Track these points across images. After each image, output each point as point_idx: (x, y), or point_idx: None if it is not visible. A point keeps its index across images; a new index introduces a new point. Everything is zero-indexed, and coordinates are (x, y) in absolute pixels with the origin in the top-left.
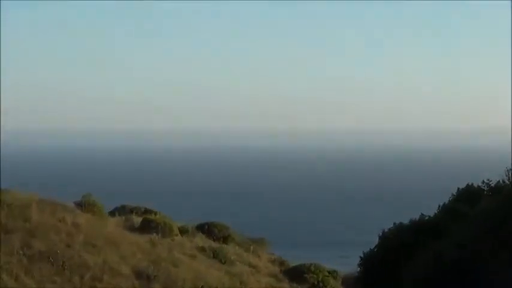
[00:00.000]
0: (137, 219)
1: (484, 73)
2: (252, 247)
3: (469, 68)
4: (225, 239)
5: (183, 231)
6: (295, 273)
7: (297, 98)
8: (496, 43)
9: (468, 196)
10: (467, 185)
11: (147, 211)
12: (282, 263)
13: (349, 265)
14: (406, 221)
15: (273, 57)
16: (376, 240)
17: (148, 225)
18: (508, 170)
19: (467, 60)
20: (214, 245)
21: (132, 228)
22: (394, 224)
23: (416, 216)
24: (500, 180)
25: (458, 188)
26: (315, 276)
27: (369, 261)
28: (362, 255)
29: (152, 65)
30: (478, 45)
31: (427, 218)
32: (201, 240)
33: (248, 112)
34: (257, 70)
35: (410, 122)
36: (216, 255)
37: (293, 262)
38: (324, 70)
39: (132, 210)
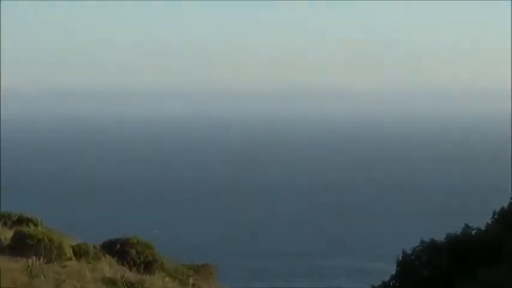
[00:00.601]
0: (6, 234)
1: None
2: (191, 278)
3: None
4: (148, 266)
5: (80, 252)
6: None
7: None
8: None
9: None
10: None
11: (21, 220)
12: None
13: None
14: (440, 237)
15: None
16: (392, 268)
17: (23, 242)
18: None
19: None
20: (131, 275)
21: None
22: (422, 241)
23: (456, 228)
24: None
25: None
26: None
27: None
28: None
29: None
30: None
31: (474, 231)
32: (109, 267)
33: None
34: None
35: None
36: None
37: None
38: None
39: None
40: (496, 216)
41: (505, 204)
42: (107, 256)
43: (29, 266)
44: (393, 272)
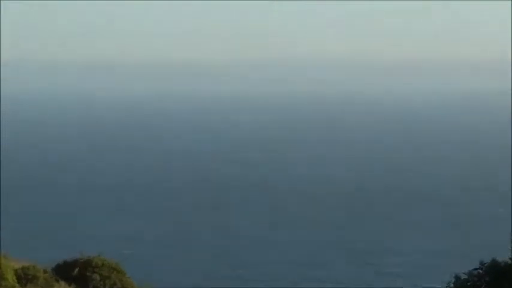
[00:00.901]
0: None
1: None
2: None
3: None
4: None
5: (26, 278)
6: None
7: None
8: None
9: None
10: None
11: None
12: None
13: None
14: (503, 255)
15: None
16: None
17: None
18: None
19: None
20: None
21: None
22: (481, 263)
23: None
24: None
25: None
26: None
27: None
28: None
29: None
30: None
31: None
32: None
33: None
34: None
35: None
36: None
37: None
38: None
39: None
40: None
41: None
42: (62, 283)
43: None
44: None
